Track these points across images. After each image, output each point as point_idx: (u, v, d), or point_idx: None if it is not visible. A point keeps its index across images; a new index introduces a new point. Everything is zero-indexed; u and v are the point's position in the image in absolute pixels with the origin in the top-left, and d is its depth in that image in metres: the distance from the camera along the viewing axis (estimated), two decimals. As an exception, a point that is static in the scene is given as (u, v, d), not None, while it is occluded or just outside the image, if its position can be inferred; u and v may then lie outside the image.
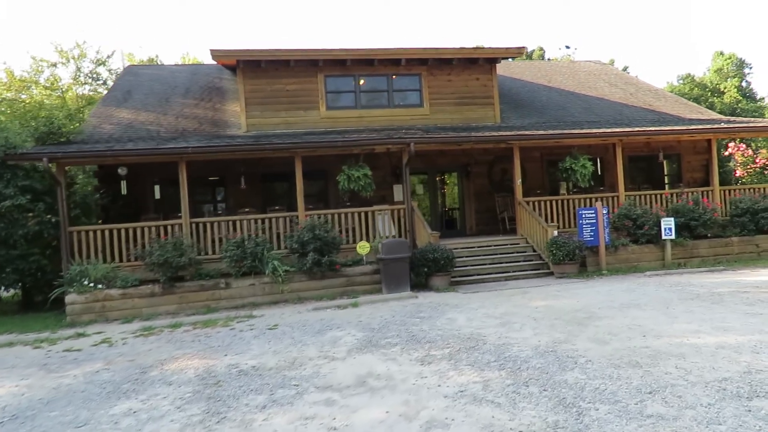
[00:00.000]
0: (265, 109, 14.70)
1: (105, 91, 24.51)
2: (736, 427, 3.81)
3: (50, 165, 10.99)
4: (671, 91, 32.60)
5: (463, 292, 10.28)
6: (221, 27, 61.86)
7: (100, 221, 13.45)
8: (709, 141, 14.59)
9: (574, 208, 13.20)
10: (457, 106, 15.58)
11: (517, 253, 12.46)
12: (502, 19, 66.55)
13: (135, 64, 30.76)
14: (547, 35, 62.07)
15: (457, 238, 14.16)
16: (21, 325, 10.05)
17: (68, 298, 10.07)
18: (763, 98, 37.74)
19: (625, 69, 37.99)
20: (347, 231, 12.42)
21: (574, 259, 11.32)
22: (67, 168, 13.84)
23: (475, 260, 12.18)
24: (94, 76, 31.44)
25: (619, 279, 10.87)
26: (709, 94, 36.37)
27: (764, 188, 14.47)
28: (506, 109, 16.53)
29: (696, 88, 36.68)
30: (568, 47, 47.41)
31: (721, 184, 16.35)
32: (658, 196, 13.78)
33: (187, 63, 34.04)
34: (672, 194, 13.89)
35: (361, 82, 15.25)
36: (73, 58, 31.90)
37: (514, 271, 11.82)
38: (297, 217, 12.16)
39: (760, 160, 18.87)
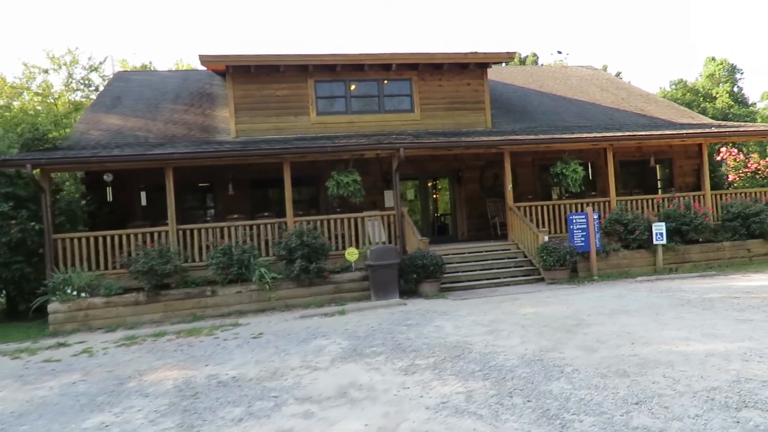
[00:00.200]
0: (255, 115, 14.58)
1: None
2: (723, 439, 3.69)
3: (34, 171, 10.83)
4: (664, 97, 32.69)
5: (452, 299, 10.15)
6: (216, 33, 61.84)
7: (87, 228, 13.27)
8: (700, 145, 14.55)
9: (565, 213, 13.11)
10: (448, 111, 15.51)
11: (508, 258, 12.35)
12: (496, 25, 66.86)
13: (127, 70, 30.61)
14: (541, 42, 62.36)
15: (448, 243, 14.04)
16: (2, 334, 9.85)
17: (51, 307, 9.88)
18: (755, 103, 37.94)
19: (617, 75, 38.10)
20: (336, 237, 12.29)
21: (565, 265, 11.22)
22: (53, 175, 13.71)
23: (465, 266, 12.06)
24: (86, 82, 31.31)
25: (610, 284, 10.77)
26: (701, 99, 36.51)
27: (755, 192, 14.44)
28: (498, 114, 16.48)
29: (688, 93, 36.82)
30: (560, 52, 47.64)
31: (714, 188, 16.32)
32: (650, 201, 13.72)
33: (181, 69, 33.92)
34: (663, 199, 13.83)
35: (353, 87, 15.16)
36: (65, 64, 31.78)
37: (505, 277, 11.70)
38: (285, 223, 12.03)
39: (752, 164, 18.86)
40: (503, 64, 28.36)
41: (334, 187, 12.36)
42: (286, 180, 12.19)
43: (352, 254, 10.97)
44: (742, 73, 38.44)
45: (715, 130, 14.95)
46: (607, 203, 13.58)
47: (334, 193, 12.48)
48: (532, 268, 11.93)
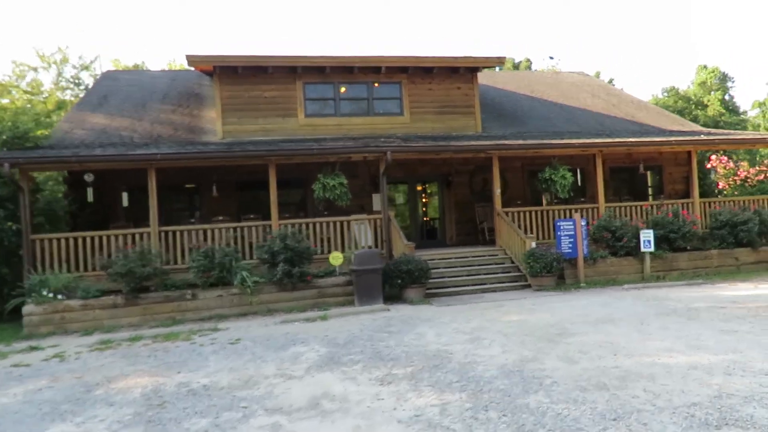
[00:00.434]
0: (242, 116, 14.40)
1: (88, 97, 24.06)
2: (701, 458, 3.55)
3: (12, 171, 10.58)
4: (656, 104, 32.80)
5: (437, 305, 9.99)
6: (212, 35, 61.58)
7: (69, 229, 13.02)
8: (689, 153, 14.51)
9: (554, 219, 13.00)
10: (438, 114, 15.39)
11: (495, 264, 12.22)
12: (490, 31, 67.00)
13: (119, 69, 30.30)
14: (535, 48, 62.53)
15: (436, 248, 13.91)
16: (-25, 337, 9.58)
17: (25, 309, 9.63)
18: (746, 111, 38.15)
19: (610, 82, 38.20)
20: (322, 241, 12.12)
21: (552, 272, 11.10)
22: (36, 174, 13.45)
23: (452, 272, 11.92)
24: (76, 81, 31.00)
25: (596, 292, 10.65)
26: (693, 106, 36.68)
27: (744, 200, 14.40)
28: (488, 119, 16.38)
29: (680, 101, 36.98)
30: (551, 58, 47.69)
31: (704, 196, 16.29)
32: (638, 208, 13.64)
33: (173, 69, 33.68)
34: (652, 206, 13.76)
35: (342, 89, 15.01)
36: (55, 62, 31.47)
37: (492, 283, 11.57)
38: (270, 226, 11.84)
39: (742, 172, 18.86)
40: (497, 69, 28.34)
41: (320, 189, 12.20)
42: (272, 182, 12.02)
43: (336, 258, 10.80)
44: (733, 82, 38.70)
45: (705, 137, 14.91)
46: (595, 210, 13.49)
47: (320, 196, 12.31)
48: (519, 274, 11.80)
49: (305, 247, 10.56)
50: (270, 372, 6.18)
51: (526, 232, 12.69)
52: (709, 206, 14.10)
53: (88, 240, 11.02)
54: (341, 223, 12.29)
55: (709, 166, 19.70)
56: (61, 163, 11.35)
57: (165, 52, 54.48)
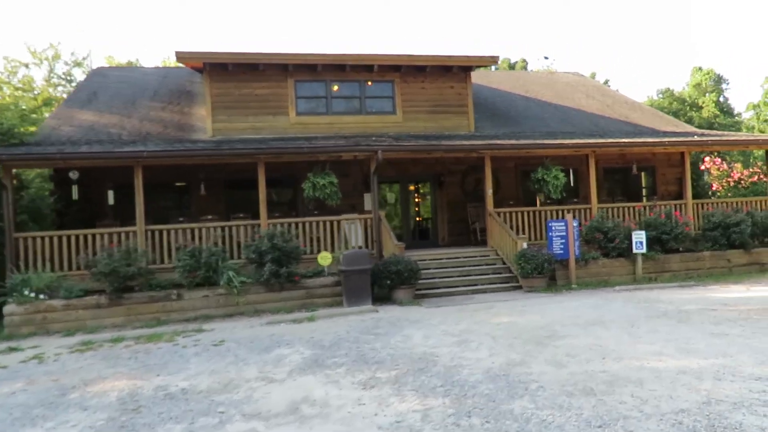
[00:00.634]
0: (233, 114, 14.22)
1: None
2: (688, 468, 3.43)
3: (-5, 167, 10.39)
4: (651, 105, 32.74)
5: (426, 306, 9.86)
6: (207, 33, 61.25)
7: (55, 227, 12.82)
8: (682, 154, 14.43)
9: (546, 219, 12.89)
10: (431, 114, 15.26)
11: (487, 265, 12.10)
12: (488, 32, 66.93)
13: (112, 66, 30.04)
14: (532, 49, 62.53)
15: (428, 249, 13.79)
16: (-46, 337, 9.39)
17: (6, 309, 9.44)
18: (740, 113, 38.20)
19: (606, 83, 38.17)
20: (312, 241, 11.97)
21: (543, 273, 10.98)
22: (23, 172, 13.26)
23: (443, 272, 11.79)
24: (68, 78, 30.73)
25: (587, 294, 10.55)
26: (687, 108, 36.66)
27: (737, 202, 14.34)
28: (482, 119, 16.25)
29: (675, 102, 36.97)
30: (546, 58, 47.59)
31: (698, 197, 16.23)
32: (631, 209, 13.55)
33: (167, 66, 33.45)
34: (644, 207, 13.67)
35: (334, 88, 14.85)
36: (47, 59, 31.18)
37: (483, 284, 11.45)
38: (259, 225, 11.68)
39: (735, 174, 18.83)
40: (493, 68, 28.20)
41: (310, 189, 12.05)
42: (260, 181, 11.86)
43: (325, 258, 10.65)
44: (728, 84, 38.70)
45: (698, 138, 14.86)
46: (588, 210, 13.39)
47: (310, 195, 12.16)
48: (511, 275, 11.69)
49: (293, 246, 10.40)
50: (251, 375, 6.03)
51: (518, 232, 12.58)
52: (702, 207, 14.03)
53: (73, 239, 10.83)
54: (331, 222, 12.15)
55: (703, 167, 19.67)
56: (45, 160, 11.16)
57: (160, 50, 54.16)
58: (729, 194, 18.05)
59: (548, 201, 14.81)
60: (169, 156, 11.37)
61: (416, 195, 16.82)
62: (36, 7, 47.81)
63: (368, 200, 14.28)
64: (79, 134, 13.70)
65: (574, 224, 11.59)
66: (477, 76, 19.50)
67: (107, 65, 30.39)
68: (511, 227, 12.61)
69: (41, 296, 9.65)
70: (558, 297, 10.32)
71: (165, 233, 11.35)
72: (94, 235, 10.94)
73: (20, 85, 27.85)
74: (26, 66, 28.64)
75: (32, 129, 14.26)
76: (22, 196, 12.15)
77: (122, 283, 9.74)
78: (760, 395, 4.54)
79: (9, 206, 10.54)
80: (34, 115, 15.81)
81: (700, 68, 39.04)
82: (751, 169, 18.83)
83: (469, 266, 12.00)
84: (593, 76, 38.09)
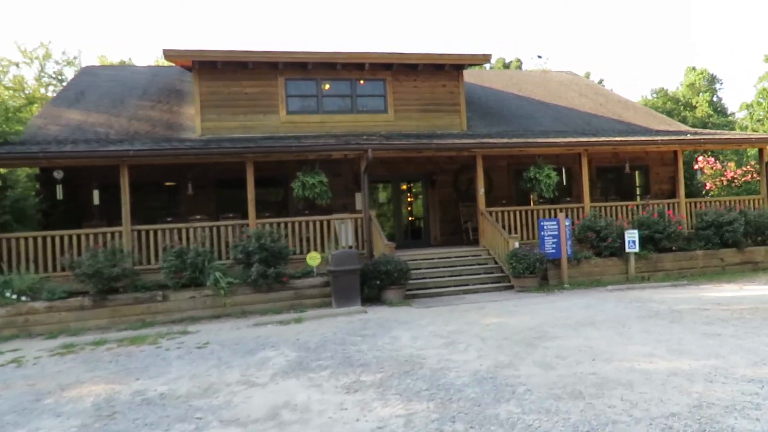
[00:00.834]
0: (222, 113, 14.05)
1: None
2: (677, 476, 3.29)
3: (-24, 167, 10.19)
4: (645, 105, 32.73)
5: (416, 307, 9.72)
6: (202, 32, 60.96)
7: (40, 227, 12.61)
8: (675, 152, 14.35)
9: (538, 219, 12.76)
10: (423, 112, 15.13)
11: (478, 265, 11.97)
12: (485, 34, 66.89)
13: (104, 65, 29.77)
14: (529, 50, 62.53)
15: (420, 248, 13.65)
16: (-66, 340, 9.17)
17: (-13, 312, 9.24)
18: (734, 113, 38.25)
19: (600, 82, 38.14)
20: (302, 240, 11.81)
21: (535, 273, 10.86)
22: (3, 171, 13.02)
23: (434, 272, 11.65)
24: (59, 77, 30.48)
25: (580, 293, 10.43)
26: (681, 108, 36.68)
27: (730, 201, 14.27)
28: (474, 117, 16.14)
29: (669, 102, 36.97)
30: (540, 57, 47.52)
31: (692, 196, 16.16)
32: (624, 208, 13.45)
33: (158, 66, 33.19)
34: (637, 206, 13.57)
35: (326, 86, 14.69)
36: (37, 58, 30.89)
37: (474, 284, 11.31)
38: (248, 225, 11.51)
39: (729, 173, 18.77)
40: (488, 67, 28.08)
41: (299, 188, 11.89)
42: (249, 180, 11.69)
43: (313, 258, 10.49)
44: (721, 83, 38.75)
45: (691, 137, 14.78)
46: (581, 209, 13.28)
47: (299, 195, 12.01)
48: (503, 275, 11.56)
49: (281, 246, 10.24)
50: (233, 379, 5.87)
51: (510, 232, 12.46)
52: (695, 206, 13.95)
53: (57, 239, 10.64)
54: (321, 222, 11.99)
55: (696, 166, 19.62)
56: (28, 160, 10.95)
57: (154, 50, 53.81)
58: (722, 193, 17.98)
59: (541, 200, 14.71)
60: (155, 155, 11.19)
61: (409, 194, 16.68)
62: (26, 6, 47.40)
63: (359, 200, 14.14)
64: (65, 133, 13.49)
65: (567, 223, 11.48)
66: (470, 75, 19.38)
67: (98, 64, 30.13)
68: (504, 226, 12.48)
69: (23, 298, 9.45)
70: (550, 297, 10.20)
71: (152, 233, 11.16)
72: (79, 236, 10.74)
73: (11, 85, 27.58)
74: (17, 65, 28.36)
75: (20, 128, 14.03)
76: (5, 196, 11.93)
77: (106, 284, 9.54)
78: (752, 398, 4.42)
79: (-9, 206, 10.34)
80: (20, 114, 15.55)
81: (693, 68, 39.09)
82: (744, 168, 18.76)
83: (461, 266, 11.87)
84: (588, 75, 38.10)
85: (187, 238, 11.11)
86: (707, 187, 19.18)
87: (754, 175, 17.46)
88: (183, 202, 13.73)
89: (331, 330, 8.06)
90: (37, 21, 48.66)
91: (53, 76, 31.21)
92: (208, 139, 13.22)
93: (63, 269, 10.45)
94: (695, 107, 36.43)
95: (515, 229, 12.75)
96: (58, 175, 11.37)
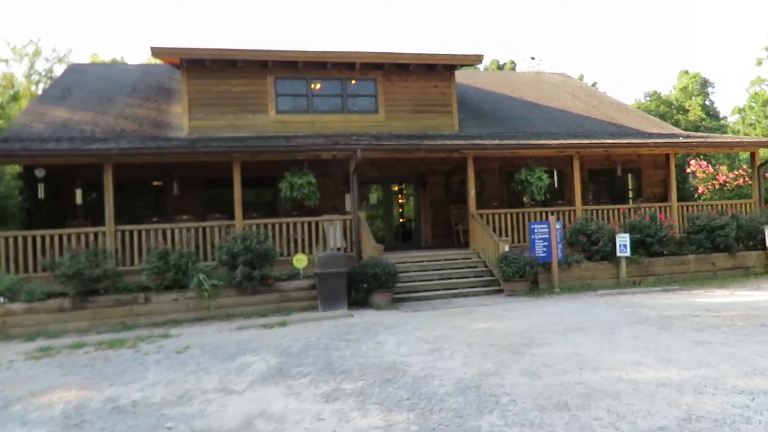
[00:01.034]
0: (210, 111, 13.82)
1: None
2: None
3: (-46, 164, 9.94)
4: (638, 108, 32.73)
5: (404, 311, 9.55)
6: (199, 33, 60.60)
7: (24, 226, 12.37)
8: (667, 155, 14.26)
9: (530, 221, 12.63)
10: (414, 113, 14.96)
11: (468, 268, 11.82)
12: (481, 36, 66.88)
13: (98, 63, 29.43)
14: (524, 52, 62.55)
15: (411, 251, 13.49)
16: None
17: (-37, 313, 8.99)
18: (726, 117, 38.36)
19: (593, 85, 38.16)
20: (289, 242, 11.62)
21: (525, 276, 10.72)
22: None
23: (423, 275, 11.49)
24: (50, 74, 30.17)
25: (570, 298, 10.29)
26: (674, 111, 36.73)
27: (722, 204, 14.19)
28: (466, 119, 15.99)
29: (662, 105, 37.01)
30: (533, 58, 47.45)
31: (684, 200, 16.11)
32: (615, 211, 13.35)
33: (148, 64, 32.86)
34: (629, 209, 13.47)
35: (318, 86, 14.50)
36: (27, 55, 30.53)
37: (464, 288, 11.15)
38: (234, 226, 11.31)
39: (721, 177, 18.73)
40: (482, 68, 27.94)
41: (287, 189, 11.71)
42: (236, 180, 11.50)
43: (300, 261, 10.31)
44: (714, 87, 38.95)
45: (683, 140, 14.70)
46: (572, 212, 13.17)
47: (287, 195, 11.83)
48: (493, 278, 11.41)
49: (267, 248, 10.04)
50: (210, 385, 5.68)
51: (501, 234, 12.33)
52: (687, 210, 13.87)
53: (39, 239, 10.39)
54: (309, 223, 11.80)
55: (688, 170, 19.57)
56: (9, 157, 10.74)
57: (148, 49, 53.38)
58: (714, 197, 17.93)
59: (533, 203, 14.59)
60: (139, 154, 10.98)
61: (400, 196, 16.51)
62: (17, 3, 46.88)
63: (349, 201, 13.96)
64: (50, 131, 13.24)
65: (558, 226, 11.35)
66: (463, 76, 19.26)
67: (88, 62, 29.80)
68: (495, 229, 12.35)
69: (1, 299, 9.22)
70: (539, 301, 10.06)
71: (136, 234, 10.94)
72: (61, 236, 10.51)
73: (1, 82, 27.26)
74: (6, 62, 28.04)
75: (3, 124, 13.77)
76: (-15, 195, 11.68)
77: (87, 285, 9.31)
78: (743, 411, 4.28)
79: (-30, 205, 10.10)
80: (3, 110, 15.27)
81: (686, 71, 39.18)
82: (736, 172, 18.73)
83: (450, 269, 11.72)
84: (582, 78, 38.06)
85: (173, 239, 10.90)
86: (699, 191, 19.14)
87: (746, 179, 17.41)
88: (170, 202, 13.50)
89: (316, 334, 7.88)
90: (28, 18, 48.16)
91: (43, 73, 30.88)
92: (195, 138, 13.01)
93: (44, 270, 10.21)
94: (688, 111, 36.48)
95: (506, 231, 12.62)
96: (39, 173, 11.13)
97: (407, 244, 15.13)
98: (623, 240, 11.44)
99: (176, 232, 11.05)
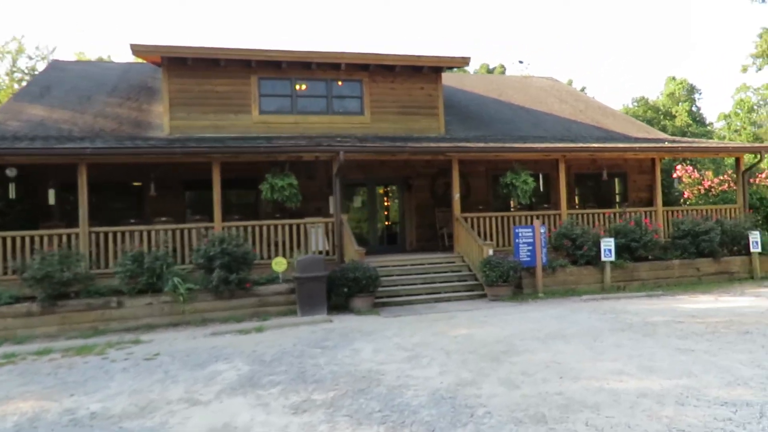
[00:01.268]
0: (192, 111, 13.55)
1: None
2: None
3: None
4: (626, 113, 32.88)
5: (384, 316, 9.34)
6: (194, 32, 60.08)
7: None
8: (653, 160, 14.21)
9: (514, 225, 12.49)
10: (400, 115, 14.79)
11: (452, 272, 11.64)
12: (470, 39, 67.04)
13: (80, 60, 28.95)
14: (515, 57, 62.74)
15: (395, 254, 13.28)
16: None
17: (-75, 318, 8.64)
18: (712, 123, 38.67)
19: (582, 90, 38.28)
20: (269, 245, 11.36)
21: (508, 281, 10.56)
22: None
23: (406, 279, 11.29)
24: (32, 72, 29.70)
25: (554, 303, 10.14)
26: (661, 117, 36.96)
27: (707, 209, 14.16)
28: (453, 121, 15.85)
29: (649, 111, 37.23)
30: (521, 62, 47.62)
31: (670, 205, 16.06)
32: (601, 215, 13.25)
33: (131, 62, 32.40)
34: (615, 214, 13.38)
35: (303, 87, 14.27)
36: (9, 52, 30.03)
37: (446, 292, 10.97)
38: (213, 228, 11.04)
39: (706, 182, 18.76)
40: (471, 71, 27.87)
41: (268, 190, 11.47)
42: (215, 181, 11.24)
43: (279, 264, 10.06)
44: (700, 94, 39.17)
45: (668, 145, 14.67)
46: (558, 216, 13.05)
47: (268, 197, 11.59)
48: (476, 283, 11.24)
49: (245, 251, 9.79)
50: (175, 396, 5.43)
51: (486, 238, 12.16)
52: (672, 215, 13.81)
53: (9, 240, 10.05)
54: (291, 226, 11.56)
55: (675, 175, 19.59)
56: (-22, 156, 10.35)
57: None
58: (700, 202, 17.93)
59: (519, 206, 14.46)
60: (114, 154, 10.69)
61: (385, 198, 16.31)
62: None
63: (332, 203, 13.73)
64: (26, 129, 12.91)
65: (542, 230, 11.20)
66: (450, 79, 19.14)
67: (71, 60, 29.29)
68: (480, 233, 12.19)
69: (-34, 303, 8.87)
70: (522, 306, 9.90)
71: (111, 236, 10.63)
72: (32, 237, 10.17)
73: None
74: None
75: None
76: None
77: (57, 289, 8.99)
78: (725, 424, 4.12)
79: (-63, 205, 9.74)
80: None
81: (674, 78, 39.47)
82: (721, 177, 18.77)
83: (434, 273, 11.53)
84: (570, 83, 38.19)
85: (149, 241, 10.61)
86: (685, 196, 19.16)
87: (731, 185, 17.44)
88: (149, 203, 13.18)
89: (292, 341, 7.64)
90: (14, 16, 47.42)
91: (25, 71, 30.37)
92: (174, 138, 12.73)
93: (14, 272, 9.87)
94: (675, 116, 36.73)
95: (491, 235, 12.46)
96: (10, 172, 10.79)
97: (392, 247, 14.94)
98: (608, 244, 11.33)
99: (153, 234, 10.77)
